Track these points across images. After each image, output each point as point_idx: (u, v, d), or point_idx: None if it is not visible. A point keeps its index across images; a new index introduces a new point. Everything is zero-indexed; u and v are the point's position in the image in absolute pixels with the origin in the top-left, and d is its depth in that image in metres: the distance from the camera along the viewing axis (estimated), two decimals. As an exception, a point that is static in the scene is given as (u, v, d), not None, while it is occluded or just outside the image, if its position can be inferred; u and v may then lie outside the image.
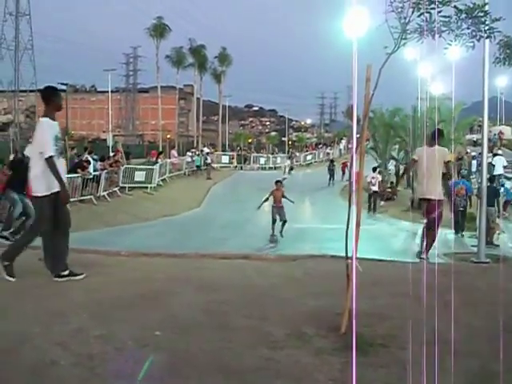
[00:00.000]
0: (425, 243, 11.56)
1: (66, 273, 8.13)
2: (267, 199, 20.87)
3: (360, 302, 5.20)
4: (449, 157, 11.67)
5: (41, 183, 8.02)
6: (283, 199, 20.55)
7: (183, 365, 4.79)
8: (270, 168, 60.44)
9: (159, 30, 73.86)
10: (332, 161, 51.06)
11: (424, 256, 11.25)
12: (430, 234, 11.50)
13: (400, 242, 18.49)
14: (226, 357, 4.98)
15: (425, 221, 11.75)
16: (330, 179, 44.24)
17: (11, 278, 7.86)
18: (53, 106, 8.32)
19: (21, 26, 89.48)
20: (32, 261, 8.56)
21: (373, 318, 6.08)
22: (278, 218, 19.99)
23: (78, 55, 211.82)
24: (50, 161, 7.89)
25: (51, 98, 8.34)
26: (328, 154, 75.20)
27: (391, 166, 36.86)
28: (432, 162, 11.25)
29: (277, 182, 21.56)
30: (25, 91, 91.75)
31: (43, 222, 8.12)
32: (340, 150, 78.92)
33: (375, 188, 28.87)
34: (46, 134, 8.06)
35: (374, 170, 30.61)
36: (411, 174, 11.96)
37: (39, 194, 8.05)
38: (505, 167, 31.95)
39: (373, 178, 28.97)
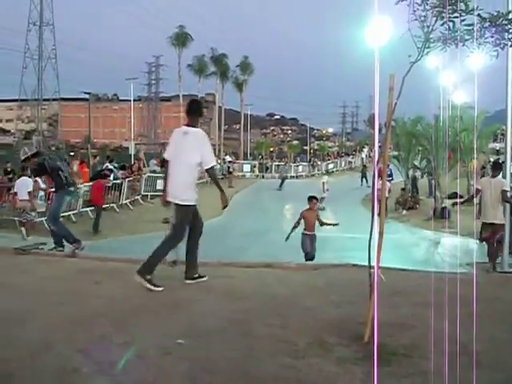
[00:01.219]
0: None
1: (196, 275, 8.54)
2: (297, 225, 15.31)
3: (382, 311, 5.18)
4: (507, 186, 12.94)
5: (193, 192, 8.43)
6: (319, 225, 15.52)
7: (205, 373, 4.79)
8: (292, 177, 60.31)
9: (181, 39, 74.52)
10: (365, 166, 53.39)
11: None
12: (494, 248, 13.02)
13: (422, 252, 18.37)
14: (247, 365, 4.98)
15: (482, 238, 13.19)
16: (361, 181, 47.00)
17: (159, 288, 7.91)
18: (198, 116, 8.73)
19: (44, 35, 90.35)
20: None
21: (395, 327, 6.05)
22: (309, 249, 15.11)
23: (101, 64, 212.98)
24: (212, 170, 8.57)
25: (198, 109, 8.81)
26: (350, 162, 75.00)
27: (417, 174, 36.68)
28: (495, 191, 12.87)
29: (310, 198, 15.62)
30: (48, 100, 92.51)
31: (184, 229, 8.43)
32: (362, 158, 78.67)
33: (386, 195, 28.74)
34: (208, 145, 8.47)
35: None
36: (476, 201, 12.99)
37: (190, 203, 8.40)
38: None
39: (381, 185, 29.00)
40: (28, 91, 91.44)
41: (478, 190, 13.53)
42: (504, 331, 6.19)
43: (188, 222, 8.44)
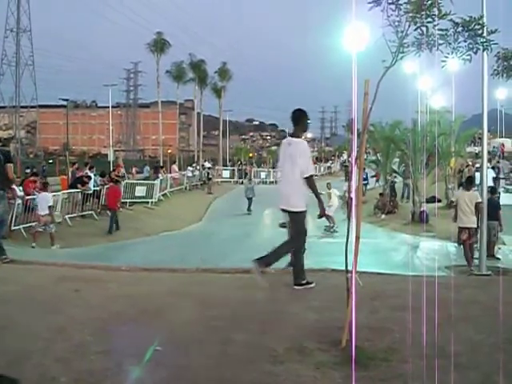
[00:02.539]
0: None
1: (305, 281, 8.65)
2: None
3: (360, 315, 5.19)
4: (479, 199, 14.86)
5: (303, 199, 8.64)
6: None
7: (184, 380, 4.78)
8: (271, 182, 60.38)
9: (159, 46, 74.11)
10: (346, 166, 56.68)
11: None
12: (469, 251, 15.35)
13: (401, 256, 18.45)
14: (226, 372, 4.97)
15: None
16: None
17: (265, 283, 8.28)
18: (302, 126, 8.93)
19: (22, 42, 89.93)
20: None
21: (373, 331, 6.06)
22: None
23: (79, 71, 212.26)
24: (311, 179, 8.57)
25: (302, 119, 8.95)
26: (329, 167, 75.28)
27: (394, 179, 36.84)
28: (470, 203, 15.18)
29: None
30: (26, 107, 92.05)
31: (303, 234, 8.73)
32: (341, 163, 78.97)
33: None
34: (306, 155, 8.66)
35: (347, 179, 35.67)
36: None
37: (301, 209, 8.61)
38: (495, 179, 32.04)
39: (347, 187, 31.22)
40: (5, 98, 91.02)
41: (452, 202, 16.53)
42: (480, 333, 6.22)
43: (305, 226, 8.74)
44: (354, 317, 5.15)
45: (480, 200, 14.59)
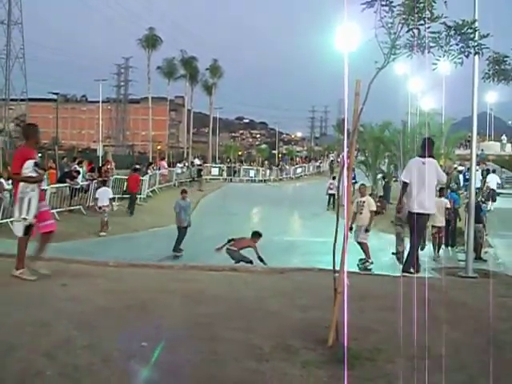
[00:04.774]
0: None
1: (411, 271, 10.75)
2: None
3: (347, 315, 5.20)
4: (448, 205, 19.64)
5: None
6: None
7: (169, 376, 4.78)
8: (260, 181, 60.38)
9: (151, 41, 74.02)
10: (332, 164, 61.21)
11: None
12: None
13: (388, 257, 18.47)
14: (211, 369, 4.97)
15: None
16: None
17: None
18: (429, 151, 11.39)
19: (12, 34, 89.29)
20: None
21: (360, 331, 6.07)
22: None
23: (70, 65, 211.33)
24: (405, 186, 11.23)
25: (429, 146, 11.46)
26: (318, 167, 75.35)
27: (380, 180, 36.92)
28: (441, 207, 18.46)
29: (255, 234, 16.60)
30: (15, 100, 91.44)
31: (423, 233, 11.85)
32: (329, 164, 78.99)
33: (332, 192, 34.81)
34: (440, 169, 11.95)
35: (334, 178, 38.55)
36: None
37: (432, 212, 11.80)
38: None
39: (331, 183, 35.37)
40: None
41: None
42: (465, 334, 6.26)
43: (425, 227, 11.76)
44: (345, 317, 5.17)
45: (449, 206, 19.48)
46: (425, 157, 11.16)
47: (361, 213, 16.51)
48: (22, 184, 8.65)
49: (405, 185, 11.27)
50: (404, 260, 11.79)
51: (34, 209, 8.58)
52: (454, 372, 5.00)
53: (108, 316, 6.68)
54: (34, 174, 8.65)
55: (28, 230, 8.65)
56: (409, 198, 11.13)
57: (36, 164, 8.75)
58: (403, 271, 10.75)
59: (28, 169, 8.61)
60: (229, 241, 16.17)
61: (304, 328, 6.27)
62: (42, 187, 9.25)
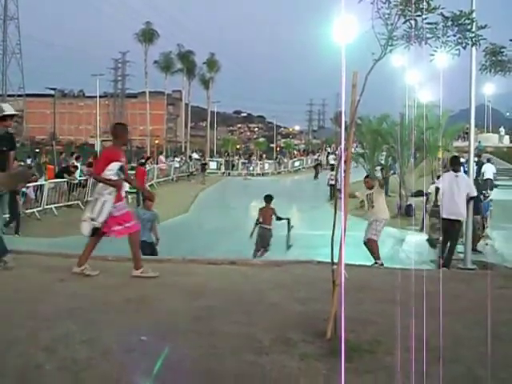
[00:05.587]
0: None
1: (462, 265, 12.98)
2: (258, 222, 16.16)
3: (346, 307, 5.20)
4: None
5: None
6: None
7: (169, 370, 4.77)
8: (258, 174, 60.33)
9: (148, 36, 73.96)
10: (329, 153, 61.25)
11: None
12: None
13: (387, 249, 18.47)
14: (211, 362, 4.98)
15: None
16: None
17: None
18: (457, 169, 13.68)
19: (9, 30, 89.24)
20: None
21: (358, 323, 6.08)
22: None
23: (67, 60, 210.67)
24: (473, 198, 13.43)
25: (457, 164, 13.87)
26: (317, 160, 75.43)
27: (378, 173, 36.86)
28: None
29: (266, 197, 16.75)
30: (13, 95, 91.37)
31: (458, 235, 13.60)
32: (328, 153, 78.88)
33: (332, 182, 34.12)
34: (471, 182, 13.65)
35: (332, 169, 40.01)
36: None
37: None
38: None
39: (331, 175, 36.33)
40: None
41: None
42: (464, 326, 6.27)
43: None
44: (343, 309, 5.16)
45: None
46: (458, 171, 13.59)
47: (372, 206, 15.62)
48: (100, 185, 8.57)
49: (437, 189, 14.37)
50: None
51: (105, 214, 8.42)
52: (452, 363, 5.00)
53: (107, 310, 6.68)
54: (115, 178, 8.50)
55: (95, 231, 8.57)
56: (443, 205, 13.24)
57: (121, 168, 8.60)
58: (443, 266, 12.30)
59: (111, 171, 8.46)
60: (257, 223, 16.19)
61: (303, 321, 6.28)
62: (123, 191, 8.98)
